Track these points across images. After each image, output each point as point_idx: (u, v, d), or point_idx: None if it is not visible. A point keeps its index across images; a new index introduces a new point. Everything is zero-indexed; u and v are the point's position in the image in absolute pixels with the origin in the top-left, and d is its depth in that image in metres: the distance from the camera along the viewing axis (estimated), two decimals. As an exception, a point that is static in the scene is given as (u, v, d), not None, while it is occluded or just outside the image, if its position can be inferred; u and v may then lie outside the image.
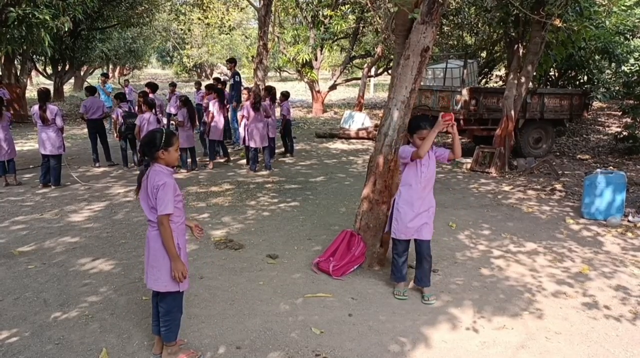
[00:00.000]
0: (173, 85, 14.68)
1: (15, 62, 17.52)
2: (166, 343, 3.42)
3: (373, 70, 21.01)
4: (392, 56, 15.78)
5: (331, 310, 4.17)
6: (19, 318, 3.99)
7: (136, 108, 10.08)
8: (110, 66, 38.69)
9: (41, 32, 9.96)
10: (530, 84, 10.53)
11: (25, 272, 4.90)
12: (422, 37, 4.53)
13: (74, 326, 3.88)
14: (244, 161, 10.15)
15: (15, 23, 9.09)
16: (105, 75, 16.18)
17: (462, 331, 3.90)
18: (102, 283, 4.67)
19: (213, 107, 9.70)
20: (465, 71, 11.14)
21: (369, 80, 25.54)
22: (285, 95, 11.16)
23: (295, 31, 19.56)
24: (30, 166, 9.60)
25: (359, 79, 20.52)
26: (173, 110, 14.36)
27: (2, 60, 16.55)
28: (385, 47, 16.94)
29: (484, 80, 17.33)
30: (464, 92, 10.35)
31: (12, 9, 8.18)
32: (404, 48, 4.70)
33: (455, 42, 17.48)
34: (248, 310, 4.15)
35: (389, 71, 19.01)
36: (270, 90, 10.06)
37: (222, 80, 14.13)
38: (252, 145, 9.20)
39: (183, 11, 19.10)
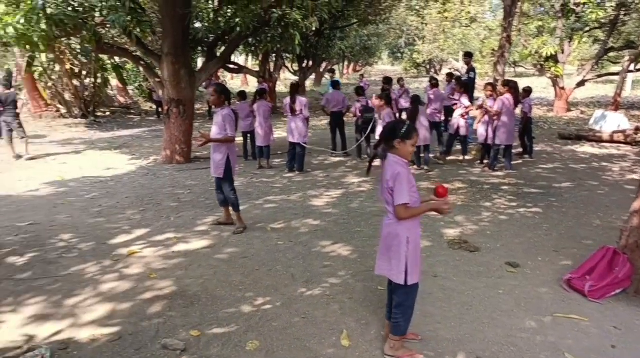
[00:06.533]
0: (401, 80, 14.97)
1: (269, 59, 19.87)
2: (392, 335, 3.37)
3: (632, 65, 18.07)
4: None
5: (588, 336, 3.61)
6: (271, 288, 4.40)
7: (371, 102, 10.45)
8: (346, 63, 41.30)
9: (293, 31, 11.04)
10: None
11: (276, 247, 5.42)
12: None
13: (317, 303, 4.12)
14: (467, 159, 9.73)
15: (276, 23, 10.21)
16: (331, 71, 17.24)
17: None
18: (340, 267, 4.88)
19: (465, 102, 9.53)
20: None
21: (626, 76, 22.11)
22: (528, 91, 10.28)
23: (540, 21, 17.94)
24: (279, 152, 10.69)
25: (612, 74, 17.93)
26: (404, 104, 14.59)
27: (260, 58, 18.93)
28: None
29: None
30: None
31: (274, 10, 9.16)
32: None
33: None
34: (487, 319, 3.86)
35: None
36: (513, 85, 9.33)
37: (455, 76, 13.77)
38: (497, 142, 8.75)
39: (423, 6, 19.15)
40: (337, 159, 10.33)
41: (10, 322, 3.80)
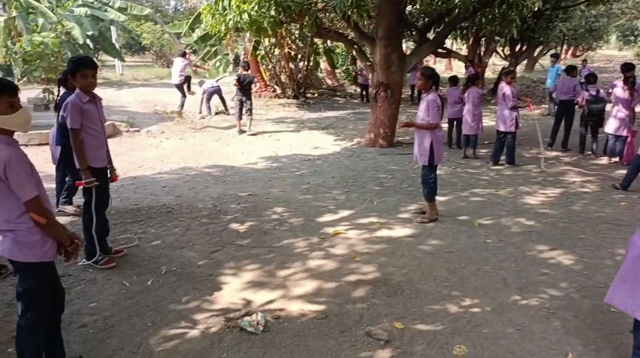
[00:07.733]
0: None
1: (479, 43, 18.79)
2: None
3: None
4: None
5: None
6: (480, 290, 4.05)
7: (603, 92, 9.06)
8: (564, 47, 37.21)
9: (512, 12, 10.13)
10: None
11: (484, 245, 5.01)
12: None
13: (534, 316, 3.65)
14: None
15: (497, 3, 9.47)
16: (555, 56, 15.43)
17: None
18: (561, 277, 4.29)
19: None
20: None
21: None
22: None
23: None
24: (485, 142, 10.00)
25: None
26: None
27: (471, 42, 18.01)
28: None
29: None
30: None
31: (498, -12, 8.50)
32: None
33: None
34: None
35: None
36: None
37: None
38: None
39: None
40: (554, 154, 9.27)
41: (232, 284, 4.15)
